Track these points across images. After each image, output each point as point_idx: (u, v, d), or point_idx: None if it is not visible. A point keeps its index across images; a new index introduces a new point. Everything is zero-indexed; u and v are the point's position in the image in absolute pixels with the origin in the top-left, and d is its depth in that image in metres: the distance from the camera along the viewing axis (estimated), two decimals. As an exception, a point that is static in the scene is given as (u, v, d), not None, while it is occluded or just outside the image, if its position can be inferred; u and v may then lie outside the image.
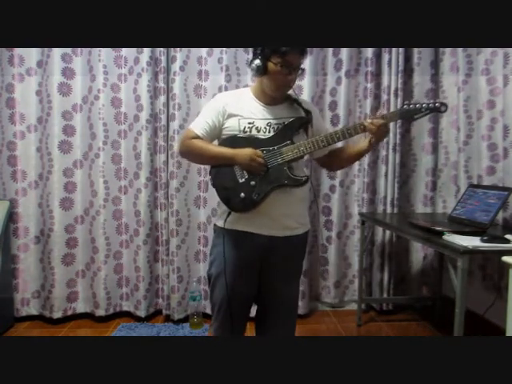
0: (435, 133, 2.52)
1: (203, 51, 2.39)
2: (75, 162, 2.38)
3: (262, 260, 1.40)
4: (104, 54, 2.35)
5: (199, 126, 1.41)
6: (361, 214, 2.46)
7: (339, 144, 1.44)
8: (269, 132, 1.36)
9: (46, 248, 2.40)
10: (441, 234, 1.63)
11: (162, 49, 2.34)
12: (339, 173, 2.55)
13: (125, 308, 2.51)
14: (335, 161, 1.52)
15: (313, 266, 2.61)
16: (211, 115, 1.39)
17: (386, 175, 2.49)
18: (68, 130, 2.36)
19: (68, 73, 2.32)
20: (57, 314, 2.39)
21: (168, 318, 2.46)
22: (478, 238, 1.54)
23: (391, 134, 2.45)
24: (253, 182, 1.33)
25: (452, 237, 1.58)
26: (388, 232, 2.53)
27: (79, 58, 2.32)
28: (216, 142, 1.45)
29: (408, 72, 2.51)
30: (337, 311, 2.66)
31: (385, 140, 2.45)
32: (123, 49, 2.35)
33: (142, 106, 2.37)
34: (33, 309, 2.43)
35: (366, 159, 2.54)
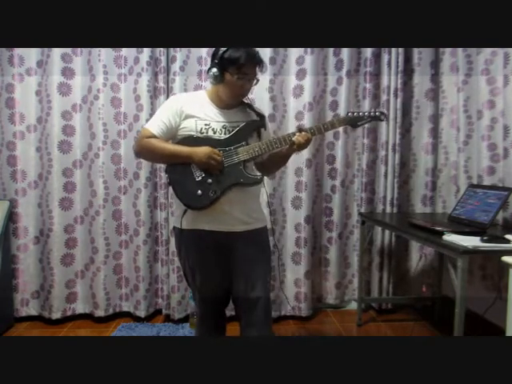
0: (435, 133, 2.52)
1: (203, 51, 2.39)
2: (75, 162, 2.38)
3: (224, 256, 1.43)
4: (104, 54, 2.35)
5: (155, 125, 1.43)
6: (361, 214, 2.46)
7: None
8: (224, 134, 1.42)
9: (46, 248, 2.40)
10: (441, 233, 1.63)
11: (161, 49, 2.34)
12: (339, 172, 2.55)
13: (124, 308, 2.50)
14: (269, 165, 1.58)
15: (315, 267, 2.61)
16: (168, 115, 1.42)
17: (386, 175, 2.49)
18: (68, 130, 2.35)
19: (68, 73, 2.32)
20: (56, 315, 2.39)
21: (168, 318, 2.46)
22: (478, 238, 1.54)
23: (391, 134, 2.45)
24: (209, 180, 1.38)
25: (452, 237, 1.58)
26: (388, 232, 2.53)
27: (79, 57, 2.32)
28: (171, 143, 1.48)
29: (408, 72, 2.51)
30: (337, 311, 2.66)
31: (384, 140, 2.46)
32: (123, 49, 2.35)
33: (142, 105, 2.37)
34: (32, 309, 2.43)
35: (364, 159, 2.54)
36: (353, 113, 1.51)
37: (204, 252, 1.44)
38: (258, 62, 1.38)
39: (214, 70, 1.37)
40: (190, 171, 1.39)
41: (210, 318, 1.57)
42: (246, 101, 1.48)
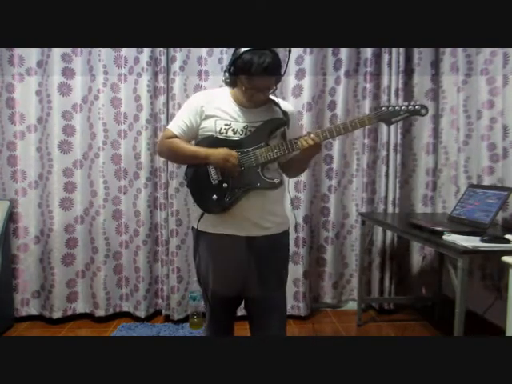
0: (435, 133, 2.52)
1: (203, 51, 2.40)
2: (75, 162, 2.38)
3: (240, 260, 1.38)
4: (104, 54, 2.35)
5: (176, 125, 1.41)
6: (361, 214, 2.46)
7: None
8: (245, 134, 1.36)
9: (46, 248, 2.40)
10: (441, 234, 1.63)
11: (161, 49, 2.34)
12: (336, 173, 2.55)
13: (124, 308, 2.51)
14: (290, 166, 1.50)
15: (312, 267, 2.61)
16: (189, 115, 1.39)
17: (387, 175, 2.49)
18: (68, 130, 2.35)
19: (68, 73, 2.32)
20: (56, 314, 2.39)
21: (168, 319, 2.46)
22: (478, 238, 1.54)
23: (392, 134, 2.45)
24: (225, 184, 1.33)
25: (452, 237, 1.58)
26: (388, 232, 2.53)
27: (79, 57, 2.32)
28: (193, 143, 1.45)
29: (408, 72, 2.51)
30: (337, 311, 2.66)
31: (385, 140, 2.46)
32: (123, 49, 2.35)
33: (142, 105, 2.37)
34: (32, 309, 2.43)
35: (364, 159, 2.54)
36: (387, 107, 1.33)
37: (219, 255, 1.39)
38: (270, 73, 1.26)
39: (227, 74, 1.33)
40: (207, 175, 1.35)
41: (219, 320, 1.52)
42: (272, 97, 1.39)
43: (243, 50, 1.26)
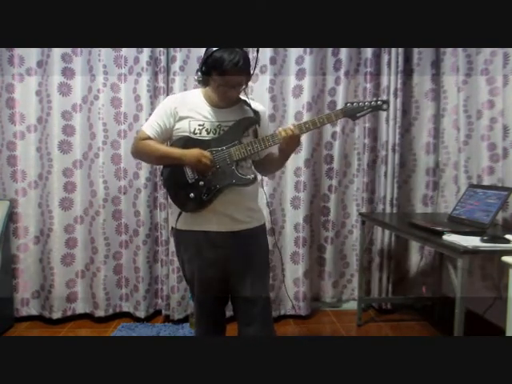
0: (435, 133, 2.52)
1: (203, 51, 2.38)
2: (75, 162, 2.38)
3: (220, 255, 1.41)
4: (104, 54, 2.35)
5: (150, 127, 1.43)
6: (361, 214, 2.46)
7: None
8: (218, 134, 1.39)
9: (46, 248, 2.40)
10: (441, 234, 1.63)
11: (161, 49, 2.34)
12: (337, 172, 2.55)
13: (124, 308, 2.50)
14: (267, 164, 1.54)
15: (312, 266, 2.61)
16: (162, 117, 1.42)
17: (386, 175, 2.49)
18: (68, 130, 2.35)
19: (68, 73, 2.32)
20: (56, 315, 2.39)
21: (168, 319, 2.46)
22: (478, 238, 1.53)
23: (391, 134, 2.45)
24: (202, 182, 1.37)
25: (452, 237, 1.58)
26: (388, 231, 2.53)
27: (79, 57, 2.32)
28: (168, 144, 1.47)
29: (408, 72, 2.51)
30: (337, 311, 2.66)
31: (384, 140, 2.46)
32: (123, 49, 2.35)
33: (142, 105, 2.37)
34: (32, 309, 2.43)
35: (364, 159, 2.54)
36: (352, 103, 1.42)
37: (201, 252, 1.42)
38: (241, 69, 1.30)
39: (199, 73, 1.37)
40: (183, 174, 1.38)
41: (207, 317, 1.55)
42: (242, 97, 1.44)
43: (214, 49, 1.31)
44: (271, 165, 1.56)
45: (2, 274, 2.24)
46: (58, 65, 2.29)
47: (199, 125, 1.39)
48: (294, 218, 2.49)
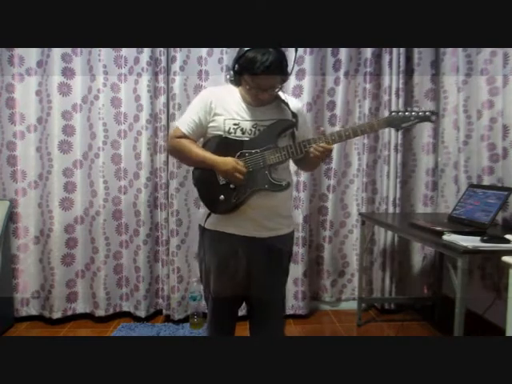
0: (435, 133, 2.52)
1: (203, 51, 2.39)
2: (75, 162, 2.38)
3: (244, 260, 1.38)
4: (104, 54, 2.35)
5: (186, 123, 1.39)
6: (361, 214, 2.46)
7: None
8: (254, 134, 1.34)
9: (46, 248, 2.40)
10: (441, 234, 1.63)
11: (161, 49, 2.34)
12: (335, 172, 2.55)
13: (125, 308, 2.51)
14: (303, 163, 1.53)
15: (311, 265, 2.61)
16: (198, 113, 1.38)
17: (388, 175, 2.49)
18: (68, 130, 2.35)
19: (68, 73, 2.32)
20: (56, 315, 2.39)
21: (168, 318, 2.46)
22: (478, 238, 1.53)
23: (392, 134, 2.45)
24: (232, 185, 1.33)
25: (452, 237, 1.58)
26: (388, 231, 2.53)
27: (79, 57, 2.32)
28: (202, 140, 1.45)
29: (408, 72, 2.51)
30: (337, 311, 2.66)
31: (385, 140, 2.46)
32: (123, 49, 2.35)
33: (142, 105, 2.37)
34: (32, 309, 2.43)
35: (364, 159, 2.54)
36: (397, 112, 1.35)
37: (223, 254, 1.39)
38: (273, 72, 1.24)
39: (231, 72, 1.32)
40: (215, 175, 1.34)
41: (221, 319, 1.52)
42: (281, 96, 1.39)
43: (247, 48, 1.26)
44: (306, 166, 1.55)
45: (2, 274, 2.24)
46: (58, 65, 2.29)
47: (234, 124, 1.34)
48: (294, 217, 2.48)
